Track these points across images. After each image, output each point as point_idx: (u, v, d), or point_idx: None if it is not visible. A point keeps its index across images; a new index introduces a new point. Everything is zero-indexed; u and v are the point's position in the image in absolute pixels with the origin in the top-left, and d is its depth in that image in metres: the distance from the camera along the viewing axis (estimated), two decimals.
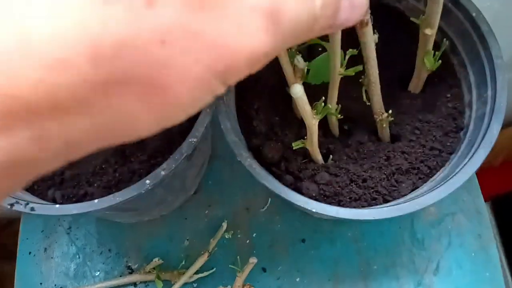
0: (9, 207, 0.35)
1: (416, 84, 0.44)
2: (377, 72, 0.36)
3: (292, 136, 0.43)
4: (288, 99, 0.44)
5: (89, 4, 0.14)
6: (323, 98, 0.34)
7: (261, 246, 0.55)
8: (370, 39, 0.32)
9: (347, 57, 0.35)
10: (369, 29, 0.31)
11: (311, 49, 0.44)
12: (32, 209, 0.35)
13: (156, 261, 0.53)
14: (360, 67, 0.35)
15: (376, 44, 0.43)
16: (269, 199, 0.57)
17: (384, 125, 0.42)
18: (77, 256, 0.55)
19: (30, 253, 0.55)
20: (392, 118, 0.41)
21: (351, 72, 0.35)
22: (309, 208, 0.35)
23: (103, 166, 0.42)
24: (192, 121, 0.41)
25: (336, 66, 0.34)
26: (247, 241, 0.56)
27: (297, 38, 0.19)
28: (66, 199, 0.41)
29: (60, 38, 0.14)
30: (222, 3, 0.15)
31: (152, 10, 0.14)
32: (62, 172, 0.42)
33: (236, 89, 0.44)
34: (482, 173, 1.05)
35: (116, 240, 0.56)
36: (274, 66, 0.35)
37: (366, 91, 0.38)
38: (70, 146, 0.16)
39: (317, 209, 0.35)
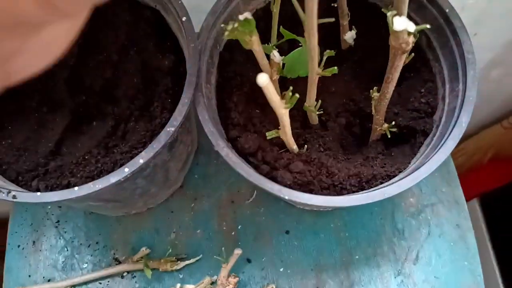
0: None
1: None
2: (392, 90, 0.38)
3: (271, 128, 0.44)
4: None
5: None
6: (291, 87, 0.35)
7: (246, 237, 0.56)
8: (401, 64, 0.34)
9: (324, 57, 0.36)
10: (403, 56, 0.33)
11: (291, 45, 0.45)
12: (14, 197, 0.37)
13: (144, 250, 0.54)
14: (335, 69, 0.37)
15: (355, 40, 0.45)
16: (255, 192, 0.59)
17: (382, 133, 0.43)
18: (65, 249, 0.56)
19: (19, 246, 0.56)
20: (395, 129, 0.43)
21: (328, 73, 0.37)
22: (282, 196, 0.36)
23: (86, 157, 0.43)
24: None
25: (314, 67, 0.35)
26: (232, 233, 0.57)
27: None
28: (50, 189, 0.42)
29: None
30: None
31: None
32: (46, 163, 0.43)
33: (217, 82, 0.46)
34: (471, 170, 1.06)
35: (104, 233, 0.57)
36: (254, 59, 0.36)
37: (375, 105, 0.40)
38: None
39: (289, 196, 0.36)
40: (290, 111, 0.36)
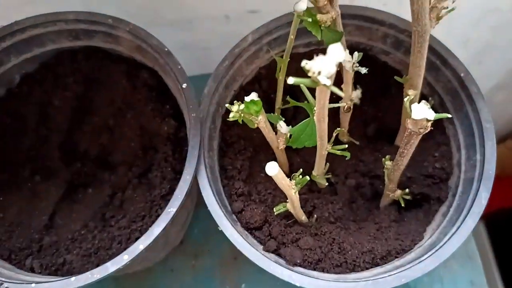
0: None
1: (402, 139, 0.43)
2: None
3: (277, 194, 0.42)
4: (274, 155, 0.43)
5: None
6: (301, 170, 0.33)
7: None
8: (417, 142, 0.32)
9: (334, 135, 0.34)
10: (419, 137, 0.31)
11: (295, 108, 0.43)
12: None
13: None
14: (347, 154, 0.35)
15: (360, 99, 0.43)
16: None
17: (394, 199, 0.41)
18: None
19: None
20: (409, 197, 0.41)
21: (336, 150, 0.35)
22: (292, 282, 0.34)
23: (82, 232, 0.41)
24: (174, 185, 0.40)
25: (324, 144, 0.33)
26: None
27: None
28: (45, 269, 0.39)
29: None
30: None
31: None
32: (41, 238, 0.41)
33: (220, 147, 0.43)
34: None
35: None
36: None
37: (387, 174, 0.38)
38: None
39: (301, 284, 0.34)
40: None
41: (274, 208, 0.38)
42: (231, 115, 0.33)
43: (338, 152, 0.35)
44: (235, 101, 0.33)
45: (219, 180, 0.41)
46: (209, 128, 0.41)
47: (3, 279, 0.35)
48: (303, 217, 0.40)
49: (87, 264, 0.39)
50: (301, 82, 0.22)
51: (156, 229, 0.35)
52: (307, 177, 0.34)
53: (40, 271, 0.39)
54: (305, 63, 0.21)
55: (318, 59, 0.20)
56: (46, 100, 0.45)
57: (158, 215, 0.39)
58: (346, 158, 0.36)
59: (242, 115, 0.32)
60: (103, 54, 0.45)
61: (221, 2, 0.57)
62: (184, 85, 0.40)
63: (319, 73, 0.20)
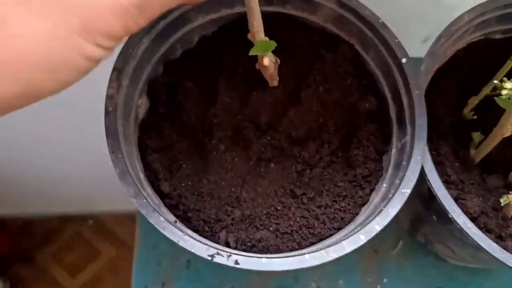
0: (209, 258, 0.31)
1: None
2: None
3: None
4: None
5: None
6: None
7: None
8: None
9: None
10: None
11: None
12: (236, 262, 0.31)
13: None
14: None
15: None
16: (400, 242, 0.54)
17: None
18: None
19: (146, 287, 0.50)
20: None
21: None
22: None
23: (278, 208, 0.38)
24: (378, 163, 0.38)
25: None
26: (378, 287, 0.52)
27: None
28: (240, 244, 0.36)
29: None
30: None
31: None
32: (231, 211, 0.38)
33: None
34: None
35: (240, 277, 0.51)
36: None
37: None
38: None
39: None
40: None
41: (500, 200, 0.36)
42: (503, 92, 0.30)
43: None
44: (504, 79, 0.30)
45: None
46: None
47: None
48: None
49: (288, 242, 0.37)
50: None
51: (392, 210, 0.33)
52: None
53: (235, 245, 0.36)
54: None
55: None
56: (226, 67, 0.42)
57: (360, 197, 0.37)
58: None
59: None
60: (291, 23, 0.42)
61: None
62: (404, 60, 0.37)
63: None
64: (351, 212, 0.37)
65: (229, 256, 0.31)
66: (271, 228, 0.37)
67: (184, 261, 0.51)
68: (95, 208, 1.30)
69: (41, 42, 0.16)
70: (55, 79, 0.17)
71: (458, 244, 0.42)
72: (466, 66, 0.43)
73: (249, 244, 0.37)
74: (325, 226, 0.37)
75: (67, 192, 1.16)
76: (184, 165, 0.39)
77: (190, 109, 0.40)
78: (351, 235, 0.32)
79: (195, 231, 0.37)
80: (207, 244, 0.31)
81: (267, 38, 0.32)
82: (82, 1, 0.17)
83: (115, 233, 1.33)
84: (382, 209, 0.33)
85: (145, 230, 0.52)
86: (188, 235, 0.32)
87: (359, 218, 0.37)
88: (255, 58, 0.41)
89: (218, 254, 0.31)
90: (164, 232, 0.31)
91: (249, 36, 0.33)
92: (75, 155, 0.90)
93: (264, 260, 0.31)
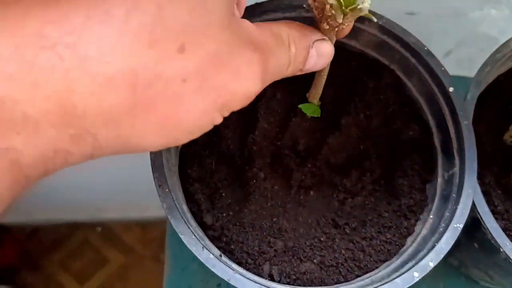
0: None
1: None
2: None
3: None
4: None
5: (137, 46, 0.18)
6: None
7: None
8: None
9: None
10: None
11: None
12: None
13: None
14: None
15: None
16: None
17: None
18: None
19: None
20: None
21: None
22: None
23: (322, 239, 0.38)
24: (423, 193, 0.37)
25: None
26: None
27: (276, 77, 0.26)
28: (285, 276, 0.36)
29: (111, 64, 0.18)
30: (227, 58, 0.21)
31: (182, 54, 0.19)
32: (274, 242, 0.37)
33: None
34: None
35: None
36: None
37: None
38: (95, 148, 0.20)
39: None
40: None
41: None
42: None
43: None
44: None
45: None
46: None
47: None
48: None
49: (333, 275, 0.36)
50: None
51: (445, 246, 0.32)
52: None
53: (279, 278, 0.36)
54: None
55: None
56: (265, 92, 0.41)
57: (406, 227, 0.37)
58: None
59: None
60: None
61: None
62: (451, 89, 0.37)
63: None
64: (397, 243, 0.37)
65: None
66: (315, 261, 0.37)
67: (215, 285, 0.51)
68: (104, 216, 1.29)
69: (195, 115, 0.21)
70: (190, 137, 0.22)
71: (500, 272, 0.41)
72: (507, 91, 0.42)
73: (293, 277, 0.36)
74: (371, 259, 0.36)
75: (75, 199, 1.15)
76: (224, 194, 0.39)
77: (229, 136, 0.40)
78: (405, 272, 0.32)
79: (239, 263, 0.36)
80: (258, 283, 0.31)
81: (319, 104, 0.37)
82: (230, 89, 0.22)
83: (123, 241, 1.32)
84: (435, 245, 0.32)
85: (175, 252, 0.51)
86: (239, 273, 0.31)
87: (405, 250, 0.36)
88: (294, 84, 0.40)
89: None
90: (214, 270, 0.31)
91: (307, 95, 0.38)
92: (84, 163, 0.90)
93: None
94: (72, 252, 1.30)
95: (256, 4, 0.39)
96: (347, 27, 0.30)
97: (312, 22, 0.30)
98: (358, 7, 0.27)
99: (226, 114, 0.23)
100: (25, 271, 1.26)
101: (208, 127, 0.23)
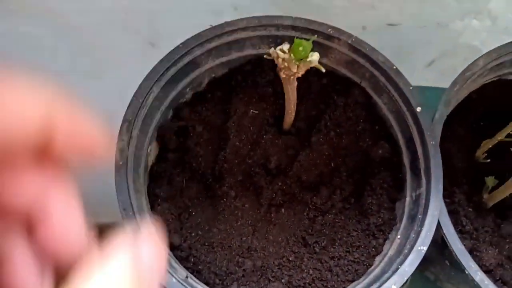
0: None
1: None
2: None
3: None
4: None
5: None
6: None
7: None
8: None
9: None
10: None
11: None
12: None
13: None
14: None
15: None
16: None
17: None
18: None
19: None
20: None
21: None
22: None
23: (290, 258, 0.38)
24: (392, 212, 0.37)
25: None
26: None
27: None
28: None
29: None
30: None
31: None
32: (243, 262, 0.37)
33: None
34: None
35: None
36: None
37: None
38: None
39: None
40: None
41: None
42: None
43: None
44: None
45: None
46: None
47: None
48: None
49: None
50: None
51: (408, 269, 0.32)
52: None
53: None
54: None
55: None
56: (236, 109, 0.41)
57: (374, 247, 0.37)
58: None
59: None
60: None
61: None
62: (419, 109, 0.37)
63: None
64: (365, 263, 0.37)
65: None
66: (283, 280, 0.37)
67: None
68: (98, 220, 1.29)
69: None
70: None
71: None
72: (479, 108, 0.43)
73: None
74: (339, 279, 0.36)
75: None
76: (194, 213, 0.39)
77: (200, 154, 0.40)
78: None
79: (206, 283, 0.36)
80: None
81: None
82: None
83: None
84: (399, 267, 0.32)
85: None
86: None
87: (373, 270, 0.36)
88: (265, 101, 0.40)
89: None
90: None
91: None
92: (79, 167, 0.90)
93: None
94: None
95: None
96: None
97: None
98: (308, 60, 0.31)
99: None
100: None
101: None
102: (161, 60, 0.36)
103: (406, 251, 0.34)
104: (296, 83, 0.36)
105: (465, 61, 0.46)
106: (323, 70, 0.33)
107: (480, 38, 0.65)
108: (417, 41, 0.65)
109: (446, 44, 0.67)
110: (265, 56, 0.34)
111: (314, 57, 0.31)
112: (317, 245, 0.38)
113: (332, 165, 0.41)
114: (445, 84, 0.56)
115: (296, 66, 0.32)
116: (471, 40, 0.66)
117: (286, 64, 0.32)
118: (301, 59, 0.32)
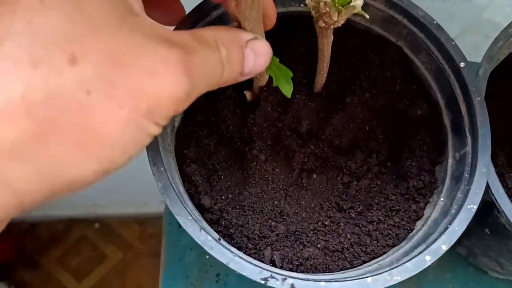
0: (263, 282, 0.28)
1: None
2: None
3: None
4: None
5: (19, 70, 0.17)
6: None
7: None
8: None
9: None
10: None
11: None
12: (292, 285, 0.28)
13: None
14: None
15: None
16: None
17: None
18: None
19: None
20: None
21: None
22: None
23: (326, 223, 0.36)
24: (432, 175, 0.35)
25: None
26: None
27: (210, 81, 0.24)
28: (287, 262, 0.34)
29: None
30: (133, 57, 0.19)
31: (75, 65, 0.18)
32: (275, 226, 0.35)
33: None
34: None
35: None
36: None
37: None
38: (19, 194, 0.18)
39: None
40: None
41: None
42: None
43: None
44: None
45: None
46: None
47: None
48: None
49: (338, 261, 0.34)
50: None
51: (458, 228, 0.30)
52: None
53: (281, 264, 0.34)
54: None
55: None
56: None
57: (415, 211, 0.35)
58: None
59: None
60: None
61: None
62: (462, 64, 0.35)
63: None
64: (406, 227, 0.35)
65: (284, 279, 0.28)
66: (319, 246, 0.35)
67: (213, 275, 0.49)
68: (101, 211, 1.27)
69: (118, 126, 0.19)
70: (126, 155, 0.20)
71: None
72: None
73: (296, 262, 0.34)
74: (379, 244, 0.34)
75: (72, 195, 1.13)
76: (223, 176, 0.37)
77: (228, 117, 0.38)
78: (416, 256, 0.30)
79: (238, 248, 0.34)
80: (258, 266, 0.29)
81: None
82: (149, 91, 0.19)
83: (121, 237, 1.30)
84: (448, 227, 0.30)
85: (172, 241, 0.49)
86: (238, 256, 0.29)
87: (414, 234, 0.34)
88: (296, 62, 0.38)
89: (272, 277, 0.28)
90: (212, 252, 0.29)
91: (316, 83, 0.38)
92: None
93: (322, 284, 0.28)
94: (70, 248, 1.28)
95: None
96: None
97: None
98: (351, 4, 0.29)
99: (161, 121, 0.21)
100: (22, 268, 1.24)
101: (143, 139, 0.20)
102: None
103: (453, 211, 0.32)
104: (332, 38, 0.34)
105: (487, 39, 0.44)
106: (367, 16, 0.31)
107: (503, 13, 0.63)
108: (439, 17, 0.63)
109: (468, 20, 0.65)
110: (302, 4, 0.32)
111: (359, 1, 0.29)
112: (353, 211, 0.36)
113: (367, 128, 0.39)
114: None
115: (337, 14, 0.30)
116: (494, 16, 0.64)
117: (327, 9, 0.29)
118: (344, 5, 0.30)
